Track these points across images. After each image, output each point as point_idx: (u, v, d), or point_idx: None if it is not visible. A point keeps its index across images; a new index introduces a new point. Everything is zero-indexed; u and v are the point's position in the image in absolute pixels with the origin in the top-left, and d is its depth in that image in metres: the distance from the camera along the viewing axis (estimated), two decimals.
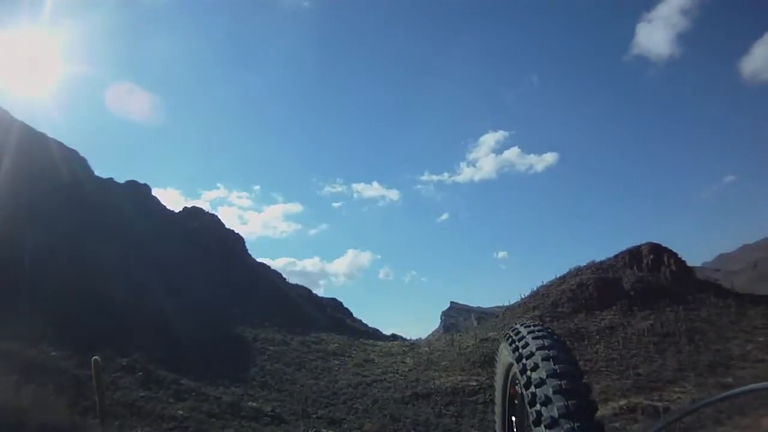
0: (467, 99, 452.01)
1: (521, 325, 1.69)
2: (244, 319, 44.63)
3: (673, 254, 66.86)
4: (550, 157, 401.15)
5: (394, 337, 68.94)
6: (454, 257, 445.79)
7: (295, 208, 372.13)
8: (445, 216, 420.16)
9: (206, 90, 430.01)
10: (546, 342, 1.49)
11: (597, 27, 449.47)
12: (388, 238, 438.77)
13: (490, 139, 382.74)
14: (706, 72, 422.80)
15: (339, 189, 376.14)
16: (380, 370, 41.37)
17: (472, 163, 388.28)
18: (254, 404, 24.43)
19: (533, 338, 1.53)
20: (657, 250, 66.93)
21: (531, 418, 1.36)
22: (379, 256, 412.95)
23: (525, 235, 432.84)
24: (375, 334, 67.46)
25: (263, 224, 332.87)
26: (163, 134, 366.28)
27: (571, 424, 1.27)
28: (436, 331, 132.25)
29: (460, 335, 57.20)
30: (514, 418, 1.76)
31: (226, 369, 29.52)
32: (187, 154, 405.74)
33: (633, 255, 66.82)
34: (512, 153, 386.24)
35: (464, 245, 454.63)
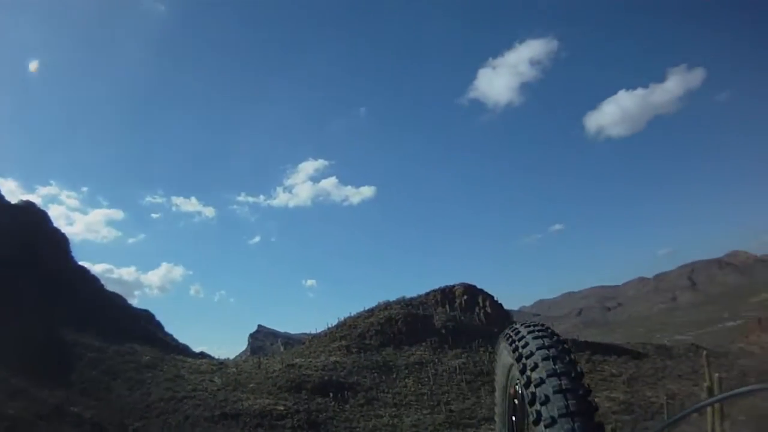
0: (293, 123, 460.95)
1: (521, 324, 1.71)
2: (64, 321, 43.03)
3: (488, 296, 70.06)
4: (367, 191, 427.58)
5: (202, 354, 67.46)
6: (264, 281, 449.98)
7: (117, 214, 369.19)
8: (257, 239, 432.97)
9: (49, 82, 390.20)
10: (546, 342, 1.51)
11: (438, 67, 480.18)
12: (202, 255, 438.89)
13: (309, 166, 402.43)
14: (547, 123, 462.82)
15: (159, 200, 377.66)
16: (190, 386, 41.25)
17: (289, 189, 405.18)
18: (76, 409, 25.11)
19: (533, 338, 1.55)
20: (471, 291, 70.00)
21: (531, 418, 1.38)
22: (191, 272, 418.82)
23: (335, 265, 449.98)
24: (185, 350, 65.96)
25: (87, 227, 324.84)
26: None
27: (571, 423, 1.28)
28: (244, 352, 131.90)
29: (267, 359, 57.00)
30: (514, 418, 1.75)
31: (49, 371, 29.14)
32: (25, 147, 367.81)
33: (446, 294, 70.00)
34: (329, 182, 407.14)
35: (274, 270, 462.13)
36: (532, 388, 1.39)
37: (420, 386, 47.86)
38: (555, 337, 1.53)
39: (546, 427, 1.30)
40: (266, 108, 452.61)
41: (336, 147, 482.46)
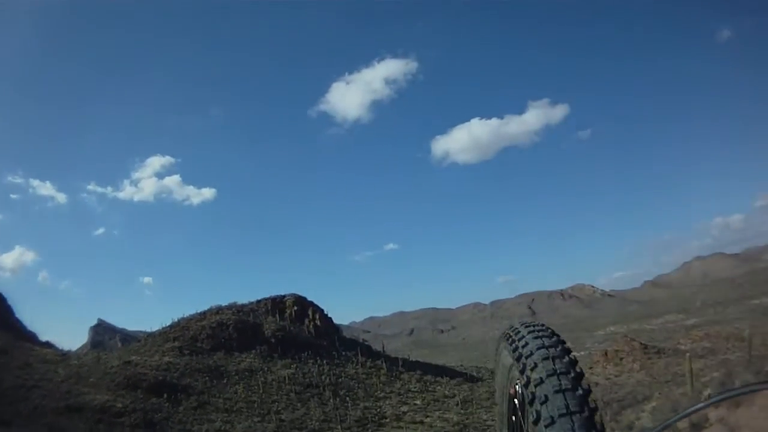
0: (146, 116, 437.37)
1: (521, 324, 1.71)
2: None
3: (318, 309, 69.33)
4: (208, 192, 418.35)
5: (48, 344, 60.21)
6: (106, 274, 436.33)
7: None
8: (101, 230, 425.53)
9: None
10: (545, 341, 1.52)
11: (296, 75, 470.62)
12: (52, 242, 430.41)
13: (156, 162, 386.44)
14: (394, 143, 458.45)
15: (18, 181, 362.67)
16: (38, 376, 37.50)
17: (135, 183, 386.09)
18: None
19: (533, 338, 1.55)
20: (302, 302, 69.05)
21: (531, 418, 1.40)
22: (41, 258, 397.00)
23: (171, 265, 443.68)
24: (33, 338, 58.87)
25: None
26: None
27: (571, 423, 1.30)
28: (85, 345, 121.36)
29: (105, 354, 52.89)
30: (514, 418, 1.76)
31: None
32: None
33: (276, 303, 68.23)
34: (173, 180, 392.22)
35: (115, 264, 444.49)
36: (531, 388, 1.41)
37: (250, 393, 46.39)
38: (555, 337, 1.55)
39: (546, 426, 1.32)
40: (124, 98, 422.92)
41: (184, 145, 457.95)
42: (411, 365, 63.05)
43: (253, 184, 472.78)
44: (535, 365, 1.42)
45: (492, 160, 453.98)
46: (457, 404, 51.83)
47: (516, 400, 1.65)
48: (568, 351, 1.47)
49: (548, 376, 1.38)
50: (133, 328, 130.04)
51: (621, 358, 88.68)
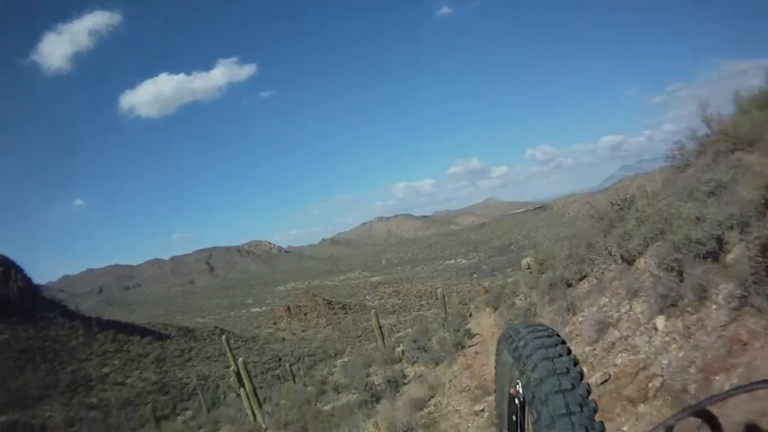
0: None
1: (521, 324, 1.68)
2: None
3: (20, 270, 65.29)
4: None
5: None
6: None
7: None
8: None
9: None
10: (545, 341, 1.49)
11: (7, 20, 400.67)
12: None
13: None
14: (87, 95, 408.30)
15: None
16: None
17: None
18: None
19: (533, 338, 1.53)
20: (5, 263, 64.66)
21: (531, 418, 1.38)
22: None
23: None
24: None
25: None
26: None
27: (570, 423, 1.27)
28: None
29: None
30: (514, 418, 1.72)
31: None
32: None
33: None
34: None
35: None
36: (532, 388, 1.40)
37: None
38: (555, 337, 1.54)
39: (546, 427, 1.31)
40: None
41: None
42: (104, 324, 63.92)
43: None
44: (535, 365, 1.42)
45: (173, 115, 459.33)
46: (152, 362, 56.49)
47: (516, 400, 1.66)
48: (568, 351, 1.47)
49: (548, 376, 1.37)
50: None
51: (305, 314, 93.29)
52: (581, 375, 1.41)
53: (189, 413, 33.85)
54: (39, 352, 49.35)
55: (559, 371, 1.39)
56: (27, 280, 65.99)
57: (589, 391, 1.37)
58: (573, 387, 1.36)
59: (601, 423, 1.32)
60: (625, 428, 4.43)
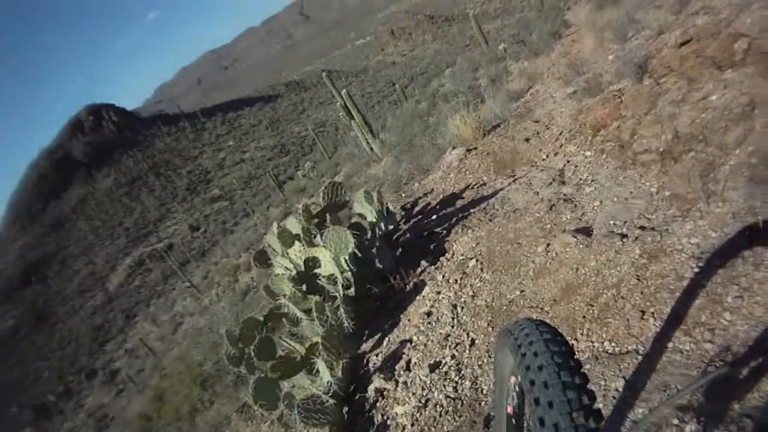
0: None
1: (522, 324, 1.64)
2: None
3: (109, 107, 65.60)
4: None
5: None
6: None
7: None
8: None
9: None
10: (547, 340, 1.47)
11: None
12: None
13: None
14: None
15: None
16: None
17: None
18: None
19: (534, 335, 1.50)
20: (94, 109, 64.78)
21: (531, 417, 1.36)
22: None
23: None
24: None
25: None
26: None
27: (572, 422, 1.26)
28: None
29: None
30: (514, 419, 1.70)
31: None
32: None
33: (75, 125, 63.20)
34: None
35: None
36: (532, 387, 1.38)
37: (92, 222, 45.22)
38: (556, 336, 1.52)
39: (546, 428, 1.29)
40: None
41: None
42: (209, 112, 63.09)
43: None
44: (536, 364, 1.40)
45: None
46: (267, 127, 55.67)
47: (517, 399, 1.64)
48: (570, 350, 1.43)
49: (549, 375, 1.35)
50: None
51: (410, 33, 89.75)
52: (583, 375, 1.38)
53: (309, 165, 32.90)
54: (150, 172, 49.39)
55: (560, 370, 1.37)
56: (120, 112, 65.36)
57: (590, 392, 1.34)
58: (575, 386, 1.33)
59: (601, 415, 1.32)
60: (713, 97, 3.87)
